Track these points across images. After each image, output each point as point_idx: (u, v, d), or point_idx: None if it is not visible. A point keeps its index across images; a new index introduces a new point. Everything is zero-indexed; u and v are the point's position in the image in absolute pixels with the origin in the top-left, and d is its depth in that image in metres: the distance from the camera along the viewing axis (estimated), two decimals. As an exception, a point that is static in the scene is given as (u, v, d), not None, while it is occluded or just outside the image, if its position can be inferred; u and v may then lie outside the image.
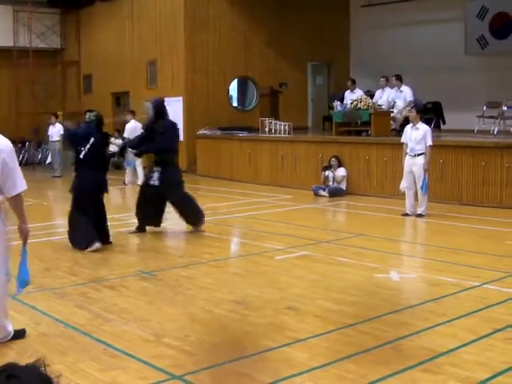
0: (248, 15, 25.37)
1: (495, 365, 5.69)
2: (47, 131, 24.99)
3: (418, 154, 13.51)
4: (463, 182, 15.23)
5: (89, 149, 10.97)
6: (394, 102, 19.24)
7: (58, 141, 24.13)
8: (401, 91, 19.14)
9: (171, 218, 12.76)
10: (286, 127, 20.47)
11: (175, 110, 24.58)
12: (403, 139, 13.87)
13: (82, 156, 11.07)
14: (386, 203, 15.40)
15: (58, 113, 26.67)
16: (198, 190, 20.41)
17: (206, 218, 12.40)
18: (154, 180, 12.06)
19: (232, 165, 21.66)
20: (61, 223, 14.43)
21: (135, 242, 12.20)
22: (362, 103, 18.31)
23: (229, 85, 25.09)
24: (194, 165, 23.86)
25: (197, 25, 24.38)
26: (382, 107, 18.99)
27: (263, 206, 15.97)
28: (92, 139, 11.01)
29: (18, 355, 6.01)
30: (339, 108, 19.14)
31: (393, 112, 18.99)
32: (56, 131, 24.22)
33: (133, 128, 21.19)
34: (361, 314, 7.14)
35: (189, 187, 21.10)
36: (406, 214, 13.71)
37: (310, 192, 17.60)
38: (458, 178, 15.30)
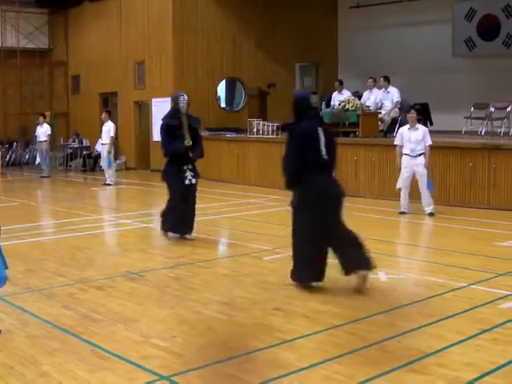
0: (236, 16, 25.39)
1: (483, 365, 5.70)
2: (35, 131, 24.90)
3: (419, 154, 13.83)
4: (451, 183, 15.28)
5: None
6: (382, 103, 19.26)
7: (46, 141, 24.12)
8: (388, 92, 19.17)
9: (160, 219, 12.73)
10: (274, 128, 20.48)
11: (163, 110, 24.59)
12: (398, 141, 14.17)
13: None
14: (374, 204, 15.44)
15: (46, 113, 26.62)
16: (186, 190, 20.39)
17: (195, 219, 12.37)
18: (190, 178, 11.40)
19: (220, 165, 21.64)
20: (48, 224, 14.43)
21: (122, 242, 12.19)
22: (350, 104, 18.33)
23: (217, 85, 25.09)
24: (182, 165, 23.81)
25: (185, 25, 24.36)
26: (370, 108, 19.02)
27: (251, 206, 15.98)
28: None
29: (6, 356, 6.01)
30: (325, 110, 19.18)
31: (380, 113, 19.01)
32: (43, 131, 24.19)
33: (108, 129, 21.23)
34: (348, 314, 7.15)
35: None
36: (403, 213, 13.96)
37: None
38: (445, 179, 15.34)
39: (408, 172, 13.93)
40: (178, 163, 11.37)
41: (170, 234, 11.64)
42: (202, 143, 11.66)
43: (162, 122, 11.73)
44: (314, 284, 8.13)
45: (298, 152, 7.99)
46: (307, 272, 8.13)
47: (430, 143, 13.94)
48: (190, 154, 11.31)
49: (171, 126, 11.38)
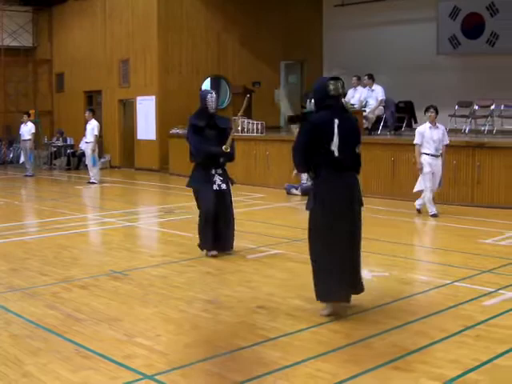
0: (221, 14, 25.38)
1: (466, 362, 5.72)
2: (19, 130, 24.77)
3: (440, 154, 13.57)
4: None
5: None
6: (366, 102, 19.30)
7: (30, 139, 24.03)
8: (372, 90, 19.20)
9: (144, 218, 12.71)
10: (259, 126, 20.48)
11: (147, 108, 24.60)
12: (418, 140, 13.59)
13: None
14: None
15: (30, 111, 26.50)
16: (170, 188, 20.44)
17: (178, 217, 12.36)
18: (219, 184, 10.13)
19: (205, 164, 21.54)
20: (32, 223, 14.38)
21: (106, 241, 12.15)
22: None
23: (202, 84, 25.04)
24: (166, 164, 23.83)
25: (170, 23, 24.33)
26: (355, 106, 19.04)
27: (235, 204, 15.82)
28: None
29: (-12, 356, 5.99)
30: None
31: (365, 111, 19.04)
32: (27, 130, 24.10)
33: (92, 128, 21.18)
34: (332, 312, 7.15)
35: (161, 186, 21.25)
36: (435, 215, 13.55)
37: (282, 191, 17.63)
38: (429, 177, 15.36)
39: (431, 171, 13.46)
40: (206, 168, 10.12)
41: (211, 253, 10.15)
42: (234, 145, 10.25)
43: (189, 122, 10.51)
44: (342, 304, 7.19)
45: (304, 146, 7.05)
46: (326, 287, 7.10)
47: (448, 142, 13.67)
48: (221, 159, 10.16)
49: (199, 126, 10.15)
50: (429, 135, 13.53)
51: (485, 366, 5.67)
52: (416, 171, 13.75)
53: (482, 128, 19.42)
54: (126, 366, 5.73)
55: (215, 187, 10.06)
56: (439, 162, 13.53)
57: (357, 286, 7.15)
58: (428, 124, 13.65)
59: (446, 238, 11.62)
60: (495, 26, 22.60)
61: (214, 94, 10.30)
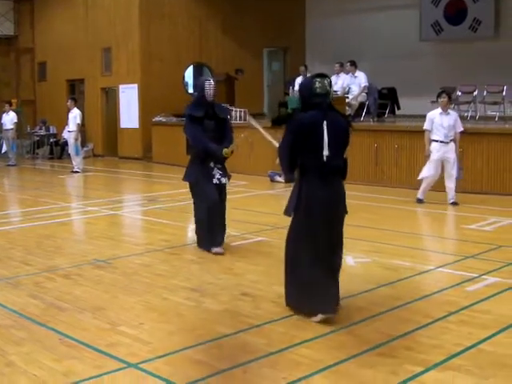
0: (204, 1, 25.26)
1: (450, 347, 5.75)
2: (1, 119, 24.62)
3: (451, 140, 13.22)
4: (419, 167, 15.31)
5: None
6: (349, 88, 19.29)
7: (12, 129, 23.94)
8: (355, 77, 19.19)
9: (128, 206, 12.68)
10: (242, 113, 20.44)
11: (130, 97, 24.50)
12: (428, 126, 13.38)
13: None
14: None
15: (12, 100, 26.34)
16: (154, 177, 20.41)
17: (162, 206, 12.32)
18: (219, 177, 9.55)
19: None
20: (15, 212, 14.32)
21: (90, 229, 12.11)
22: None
23: (184, 71, 24.97)
24: (149, 152, 23.77)
25: (152, 11, 24.23)
26: (337, 93, 19.03)
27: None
28: None
29: (-29, 346, 5.96)
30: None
31: (348, 98, 19.03)
32: (10, 119, 24.00)
33: (74, 117, 21.11)
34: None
35: (144, 174, 21.20)
36: (421, 201, 13.57)
37: (266, 178, 17.63)
38: (412, 163, 15.40)
39: (439, 159, 13.27)
40: (204, 160, 9.49)
41: (215, 250, 9.46)
42: (233, 136, 9.78)
43: (186, 112, 9.75)
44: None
45: (290, 149, 6.58)
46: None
47: (462, 129, 13.39)
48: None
49: (197, 117, 9.46)
50: (439, 121, 13.25)
51: (468, 351, 5.70)
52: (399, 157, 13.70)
53: (465, 114, 19.46)
54: (109, 355, 5.71)
55: (215, 181, 9.50)
56: (449, 148, 13.19)
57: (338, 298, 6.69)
58: (439, 110, 13.38)
59: (429, 224, 11.66)
60: (477, 11, 22.68)
61: (212, 81, 9.56)
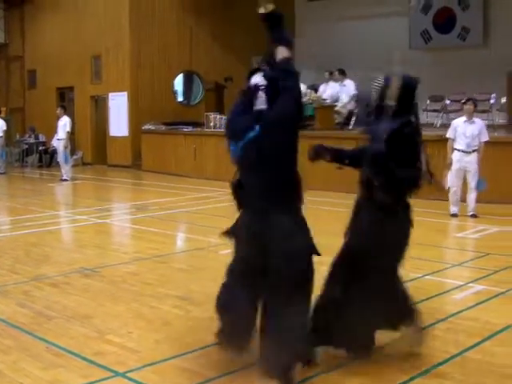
0: (193, 9, 25.33)
1: (438, 355, 5.77)
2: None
3: (474, 150, 12.64)
4: (407, 175, 15.36)
5: None
6: (338, 97, 19.33)
7: (1, 137, 23.88)
8: (344, 85, 19.24)
9: (116, 215, 12.67)
10: (231, 122, 20.43)
11: (120, 105, 24.50)
12: (451, 134, 12.87)
13: None
14: (332, 197, 15.45)
15: (2, 108, 26.31)
16: (143, 185, 20.38)
17: (150, 214, 12.29)
18: None
19: (177, 160, 21.56)
20: (4, 220, 14.29)
21: (78, 238, 12.09)
22: (307, 97, 18.35)
23: (174, 79, 24.99)
24: (138, 160, 23.76)
25: (142, 18, 24.27)
26: (327, 101, 19.08)
27: (208, 200, 15.93)
28: None
29: (-42, 355, 5.94)
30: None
31: (336, 106, 19.08)
32: (-2, 127, 23.95)
33: (64, 124, 21.10)
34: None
35: (133, 182, 21.18)
36: (455, 215, 13.01)
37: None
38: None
39: (460, 169, 12.74)
40: None
41: None
42: None
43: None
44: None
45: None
46: None
47: (487, 139, 12.70)
48: None
49: None
50: (462, 130, 12.71)
51: (455, 358, 5.72)
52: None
53: (453, 122, 19.49)
54: (97, 364, 5.70)
55: None
56: (470, 158, 12.64)
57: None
58: (464, 118, 12.89)
59: (419, 232, 11.63)
60: (466, 20, 22.81)
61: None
